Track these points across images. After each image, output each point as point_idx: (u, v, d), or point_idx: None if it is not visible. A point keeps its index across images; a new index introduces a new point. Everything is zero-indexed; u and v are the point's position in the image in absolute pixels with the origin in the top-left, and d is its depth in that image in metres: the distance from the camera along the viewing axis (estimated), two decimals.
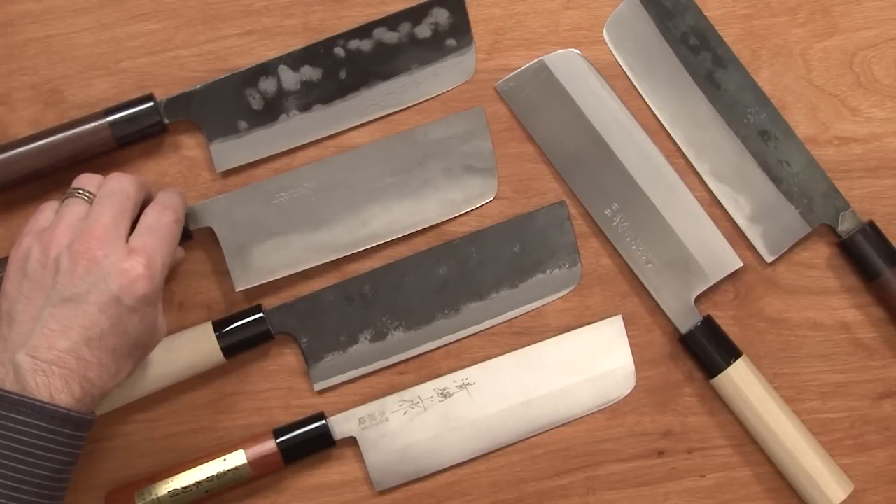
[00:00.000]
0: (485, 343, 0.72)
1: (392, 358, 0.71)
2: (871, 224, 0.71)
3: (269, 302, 0.71)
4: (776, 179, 0.71)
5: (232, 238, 0.70)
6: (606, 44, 0.73)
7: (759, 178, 0.71)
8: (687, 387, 0.72)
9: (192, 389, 0.71)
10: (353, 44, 0.72)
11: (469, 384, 0.71)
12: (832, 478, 0.68)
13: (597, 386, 0.71)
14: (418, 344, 0.71)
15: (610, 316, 0.72)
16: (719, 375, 0.69)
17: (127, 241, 0.61)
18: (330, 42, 0.71)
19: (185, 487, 0.68)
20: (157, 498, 0.68)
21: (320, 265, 0.71)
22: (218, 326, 0.69)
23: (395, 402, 0.71)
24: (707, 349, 0.70)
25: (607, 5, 0.73)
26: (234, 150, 0.71)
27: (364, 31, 0.71)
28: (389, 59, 0.72)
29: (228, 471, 0.68)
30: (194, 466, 0.68)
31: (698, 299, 0.71)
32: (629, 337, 0.72)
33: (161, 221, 0.63)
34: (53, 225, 0.61)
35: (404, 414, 0.71)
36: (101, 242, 0.60)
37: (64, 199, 0.63)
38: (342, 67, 0.72)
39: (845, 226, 0.71)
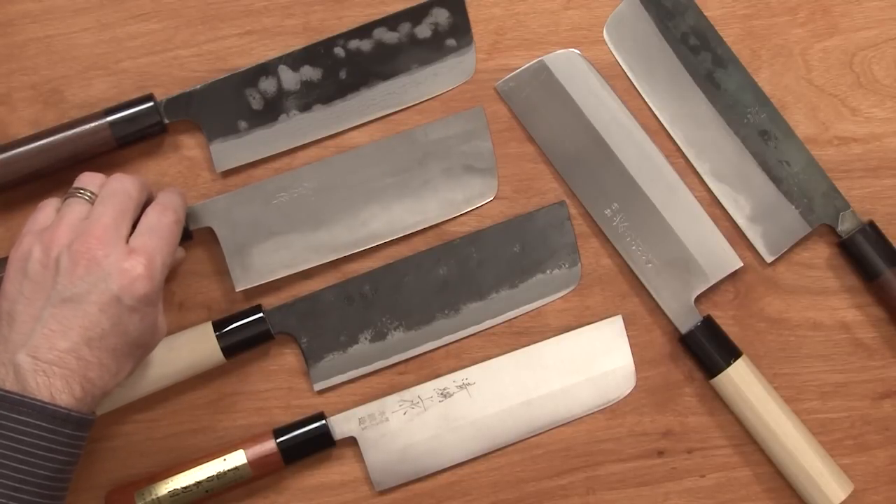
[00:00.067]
0: (485, 343, 0.72)
1: (392, 358, 0.71)
2: (871, 224, 0.71)
3: (269, 302, 0.71)
4: (776, 179, 0.71)
5: (232, 238, 0.70)
6: (606, 44, 0.73)
7: (759, 178, 0.71)
8: (687, 387, 0.72)
9: (192, 389, 0.71)
10: (353, 44, 0.71)
11: (469, 384, 0.71)
12: (832, 478, 0.68)
13: (597, 386, 0.71)
14: (418, 344, 0.71)
15: (610, 316, 0.72)
16: (719, 375, 0.69)
17: (128, 241, 0.62)
18: (330, 42, 0.71)
19: (185, 487, 0.68)
20: (157, 498, 0.68)
21: (320, 265, 0.71)
22: (218, 326, 0.69)
23: (395, 402, 0.71)
24: (707, 349, 0.70)
25: (607, 5, 0.73)
26: (234, 150, 0.71)
27: (364, 31, 0.71)
28: (389, 59, 0.72)
29: (228, 471, 0.68)
30: (194, 466, 0.68)
31: (698, 299, 0.71)
32: (629, 337, 0.72)
33: (161, 222, 0.63)
34: (54, 225, 0.61)
35: (404, 414, 0.70)
36: (101, 242, 0.60)
37: (65, 199, 0.63)
38: (342, 67, 0.72)
39: (845, 226, 0.71)
